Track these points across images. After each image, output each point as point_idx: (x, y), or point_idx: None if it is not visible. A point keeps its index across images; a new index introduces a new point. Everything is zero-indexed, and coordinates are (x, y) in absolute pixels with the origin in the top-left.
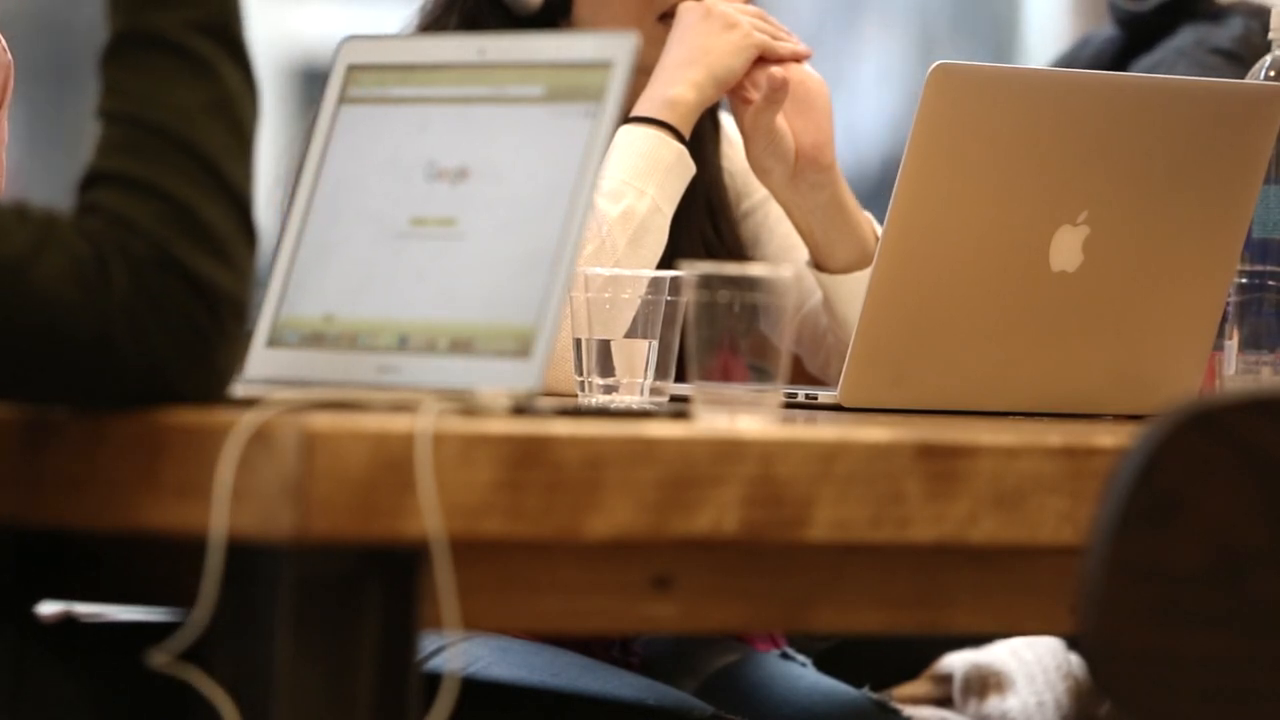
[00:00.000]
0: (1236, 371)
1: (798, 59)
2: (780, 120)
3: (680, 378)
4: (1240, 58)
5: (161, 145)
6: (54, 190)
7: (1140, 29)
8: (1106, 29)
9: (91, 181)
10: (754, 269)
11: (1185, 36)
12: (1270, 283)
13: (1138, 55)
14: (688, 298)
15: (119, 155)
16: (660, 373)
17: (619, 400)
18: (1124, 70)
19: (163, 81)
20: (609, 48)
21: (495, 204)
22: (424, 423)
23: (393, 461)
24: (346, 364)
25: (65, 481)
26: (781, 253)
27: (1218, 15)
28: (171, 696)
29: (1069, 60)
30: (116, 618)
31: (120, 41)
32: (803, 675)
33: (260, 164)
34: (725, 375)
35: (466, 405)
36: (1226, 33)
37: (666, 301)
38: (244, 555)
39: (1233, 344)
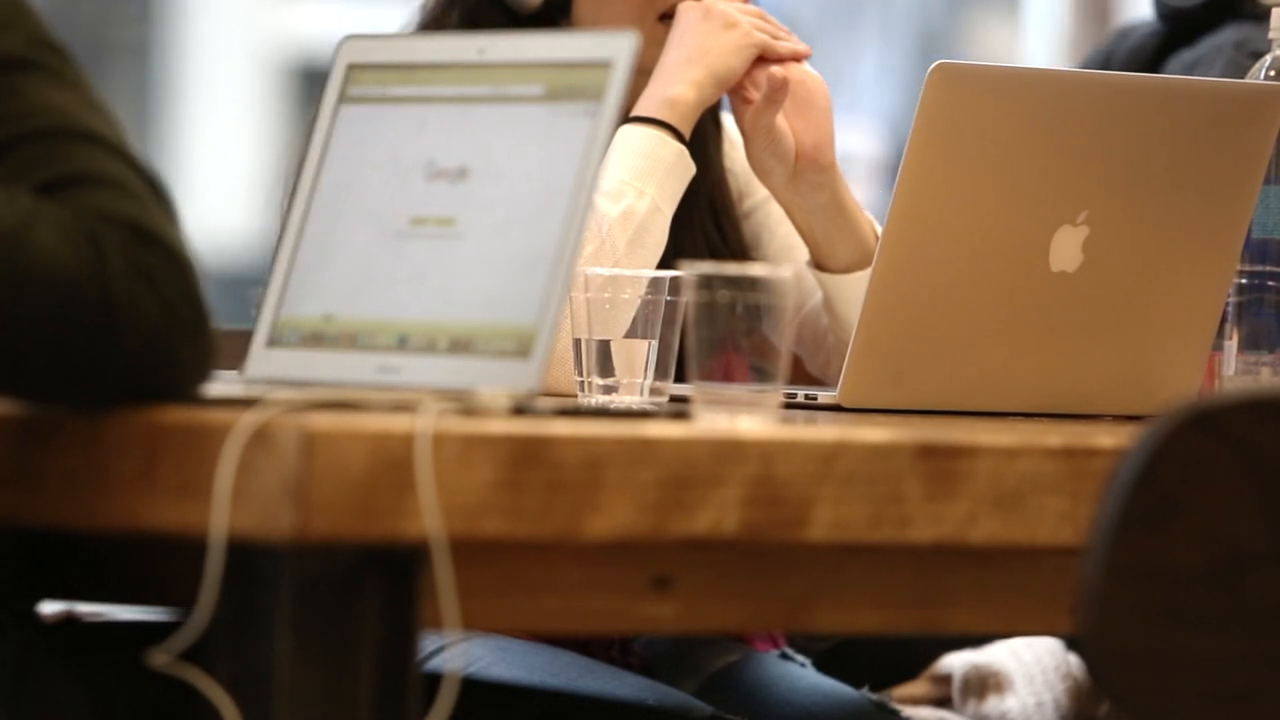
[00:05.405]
0: (1236, 372)
1: (797, 58)
2: (780, 120)
3: (680, 378)
4: None
5: (70, 143)
6: None
7: (1184, 23)
8: (1148, 21)
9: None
10: (754, 269)
11: (1227, 35)
12: (1270, 283)
13: (1177, 50)
14: (687, 298)
15: (40, 168)
16: (660, 373)
17: (619, 400)
18: (1161, 64)
19: (35, 93)
20: (609, 47)
21: (495, 204)
22: (424, 423)
23: (393, 461)
24: (346, 364)
25: (65, 481)
26: (782, 253)
27: (1264, 17)
28: (171, 696)
29: (1106, 52)
30: (116, 618)
31: None
32: (803, 675)
33: (259, 164)
34: (727, 375)
35: (466, 405)
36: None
37: (666, 301)
38: (244, 555)
39: (1232, 344)
